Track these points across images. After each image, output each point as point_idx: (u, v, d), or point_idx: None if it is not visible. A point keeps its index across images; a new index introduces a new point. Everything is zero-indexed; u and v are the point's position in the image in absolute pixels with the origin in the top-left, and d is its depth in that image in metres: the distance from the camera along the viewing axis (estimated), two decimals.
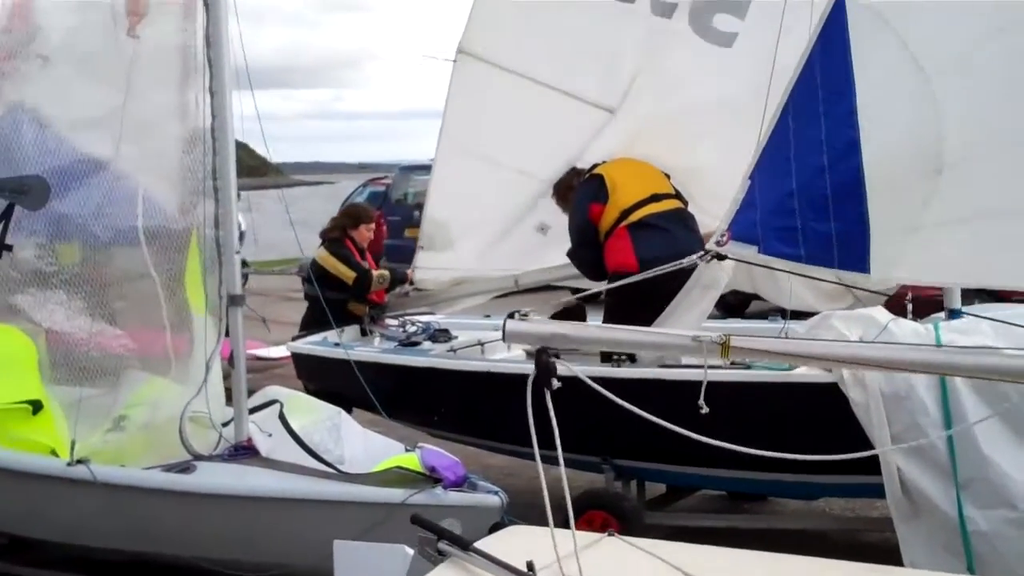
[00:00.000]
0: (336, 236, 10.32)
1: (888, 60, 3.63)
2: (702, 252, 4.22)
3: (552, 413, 3.48)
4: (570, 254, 8.49)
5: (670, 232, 7.95)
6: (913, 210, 3.56)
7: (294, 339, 9.70)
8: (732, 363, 7.26)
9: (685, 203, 8.33)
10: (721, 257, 4.05)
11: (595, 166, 8.47)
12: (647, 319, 6.16)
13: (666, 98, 8.42)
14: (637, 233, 8.06)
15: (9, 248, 7.66)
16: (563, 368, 3.58)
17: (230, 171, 7.19)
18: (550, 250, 8.96)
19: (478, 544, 3.60)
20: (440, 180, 9.43)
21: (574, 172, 8.74)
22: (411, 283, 9.76)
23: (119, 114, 7.56)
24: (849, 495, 7.84)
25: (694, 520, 8.06)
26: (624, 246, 8.05)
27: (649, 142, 8.51)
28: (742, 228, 3.82)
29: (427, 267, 9.62)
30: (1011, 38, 3.52)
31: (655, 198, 8.19)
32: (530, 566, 3.35)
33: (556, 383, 3.54)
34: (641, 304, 6.58)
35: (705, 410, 3.78)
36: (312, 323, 9.88)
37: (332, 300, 9.51)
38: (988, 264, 3.57)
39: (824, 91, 3.68)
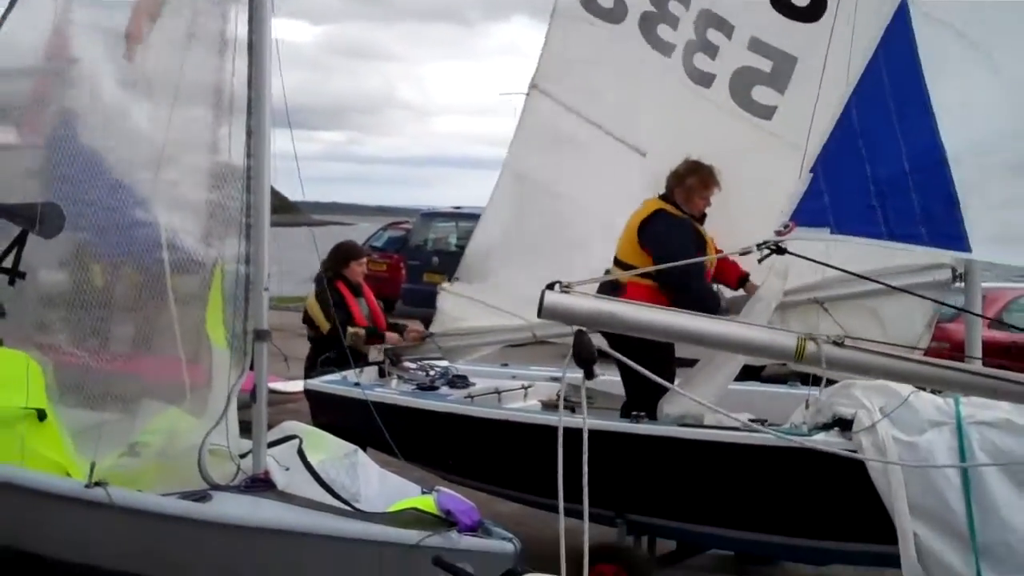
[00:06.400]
0: (329, 277, 10.25)
1: (952, 54, 3.78)
2: (760, 242, 3.79)
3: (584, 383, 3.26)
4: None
5: None
6: (1009, 183, 3.60)
7: (312, 376, 9.73)
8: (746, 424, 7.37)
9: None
10: (781, 250, 3.75)
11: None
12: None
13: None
14: None
15: (23, 275, 7.71)
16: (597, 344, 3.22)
17: (264, 210, 7.25)
18: None
19: None
20: (495, 206, 9.65)
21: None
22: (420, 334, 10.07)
23: (150, 146, 7.66)
24: (860, 563, 7.82)
25: None
26: None
27: None
28: (809, 215, 3.72)
29: (457, 293, 9.75)
30: None
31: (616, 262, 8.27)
32: None
33: (597, 371, 3.26)
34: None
35: None
36: (314, 363, 10.03)
37: (325, 340, 9.97)
38: None
39: (892, 85, 3.78)
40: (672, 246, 7.91)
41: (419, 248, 24.03)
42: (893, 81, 3.78)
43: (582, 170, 9.17)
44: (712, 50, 8.38)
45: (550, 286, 3.30)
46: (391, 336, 10.22)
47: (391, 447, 8.13)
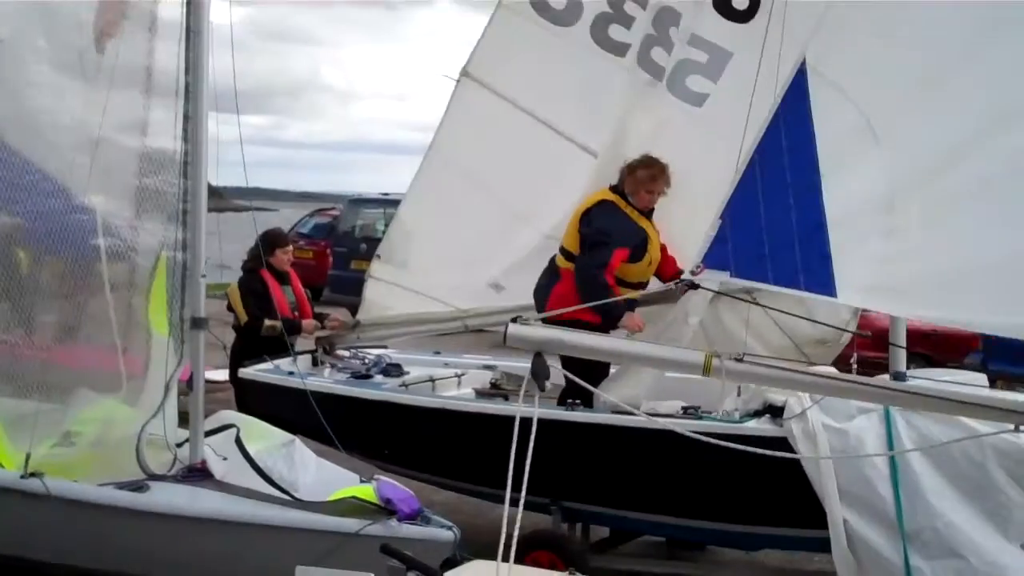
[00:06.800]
0: (252, 267, 10.10)
1: (842, 121, 4.24)
2: (677, 280, 4.73)
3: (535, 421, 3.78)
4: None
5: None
6: (874, 244, 4.13)
7: (242, 365, 9.62)
8: (684, 409, 7.52)
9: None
10: (694, 286, 4.52)
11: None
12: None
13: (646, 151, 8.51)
14: None
15: None
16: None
17: (201, 196, 7.22)
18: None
19: None
20: (418, 190, 9.52)
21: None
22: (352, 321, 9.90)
23: (84, 130, 7.57)
24: (790, 548, 7.99)
25: (638, 565, 8.19)
26: None
27: None
28: (715, 259, 4.31)
29: (379, 278, 9.71)
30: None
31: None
32: None
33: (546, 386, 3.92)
34: None
35: None
36: (242, 353, 9.88)
37: (245, 330, 9.91)
38: (940, 299, 4.07)
39: (788, 145, 4.25)
40: (599, 235, 8.13)
41: (347, 235, 23.89)
42: (789, 141, 4.26)
43: (510, 158, 9.14)
44: (669, 46, 8.47)
45: (513, 319, 4.10)
46: (307, 324, 10.04)
47: (325, 435, 8.13)
